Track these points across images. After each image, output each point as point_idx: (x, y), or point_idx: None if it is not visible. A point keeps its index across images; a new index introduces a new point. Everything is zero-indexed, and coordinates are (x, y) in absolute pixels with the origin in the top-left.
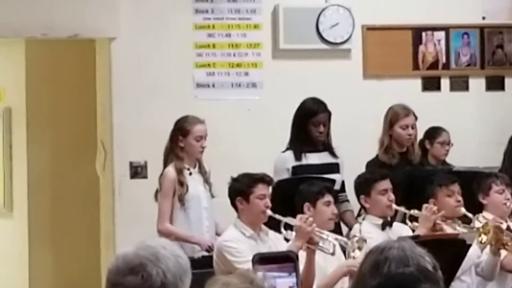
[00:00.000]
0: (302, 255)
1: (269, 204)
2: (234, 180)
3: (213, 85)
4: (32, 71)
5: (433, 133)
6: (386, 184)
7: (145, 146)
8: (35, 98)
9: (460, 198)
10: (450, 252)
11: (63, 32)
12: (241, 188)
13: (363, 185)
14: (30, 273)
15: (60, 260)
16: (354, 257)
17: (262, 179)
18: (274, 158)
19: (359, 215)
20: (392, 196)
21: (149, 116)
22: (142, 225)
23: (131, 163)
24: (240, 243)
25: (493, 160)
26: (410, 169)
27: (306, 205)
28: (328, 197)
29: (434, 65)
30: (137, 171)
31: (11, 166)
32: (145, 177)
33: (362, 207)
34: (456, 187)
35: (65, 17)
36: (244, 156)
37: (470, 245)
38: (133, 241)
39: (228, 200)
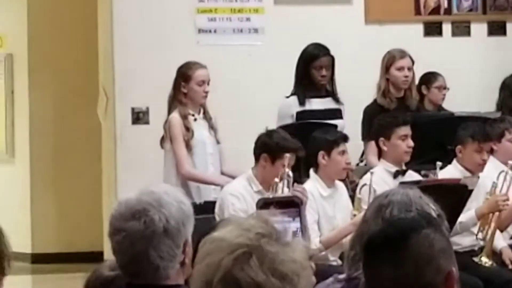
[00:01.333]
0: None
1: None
2: (268, 135)
3: (215, 31)
4: (34, 17)
5: (430, 78)
6: (406, 130)
7: (147, 92)
8: (37, 44)
9: (486, 157)
10: (452, 197)
11: None
12: (271, 148)
13: (384, 128)
14: (32, 218)
15: (62, 205)
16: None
17: (295, 149)
18: (277, 103)
19: (361, 160)
20: (411, 143)
21: (151, 62)
22: (144, 170)
23: (133, 109)
24: (241, 201)
25: (493, 104)
26: (429, 115)
27: (321, 153)
28: (343, 147)
29: (435, 10)
30: (139, 117)
31: (13, 112)
32: (147, 123)
33: (379, 149)
34: (487, 146)
35: None
36: (246, 101)
37: (472, 190)
38: (135, 187)
39: (229, 146)
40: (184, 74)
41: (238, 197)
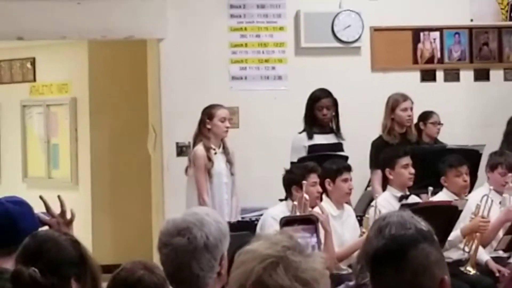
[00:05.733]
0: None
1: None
2: (289, 172)
3: (246, 78)
4: (94, 67)
5: (426, 115)
6: (407, 159)
7: (188, 129)
8: (96, 90)
9: (467, 178)
10: (444, 218)
11: (120, 34)
12: (294, 178)
13: (389, 160)
14: (93, 237)
15: (118, 226)
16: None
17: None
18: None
19: (368, 186)
20: (412, 170)
21: (192, 104)
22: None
23: (177, 143)
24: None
25: (479, 139)
26: (425, 148)
27: (327, 181)
28: (346, 175)
29: (430, 60)
30: (182, 150)
31: (77, 147)
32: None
33: (385, 178)
34: (464, 169)
35: (121, 21)
36: (271, 137)
37: (461, 211)
38: (179, 209)
39: (257, 175)
40: (208, 113)
41: (277, 219)
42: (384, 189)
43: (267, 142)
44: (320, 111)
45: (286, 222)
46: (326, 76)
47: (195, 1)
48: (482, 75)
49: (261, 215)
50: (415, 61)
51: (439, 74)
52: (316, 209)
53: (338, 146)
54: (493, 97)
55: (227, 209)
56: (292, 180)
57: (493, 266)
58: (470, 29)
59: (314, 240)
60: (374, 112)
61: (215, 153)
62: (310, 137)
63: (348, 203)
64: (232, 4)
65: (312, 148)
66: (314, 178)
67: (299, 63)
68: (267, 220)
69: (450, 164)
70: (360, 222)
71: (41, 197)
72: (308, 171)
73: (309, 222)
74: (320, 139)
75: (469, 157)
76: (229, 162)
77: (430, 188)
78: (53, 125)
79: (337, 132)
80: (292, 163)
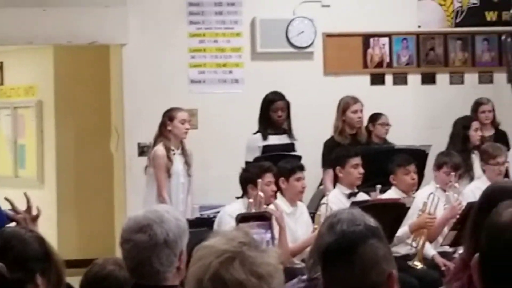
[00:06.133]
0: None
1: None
2: (246, 171)
3: (204, 81)
4: (59, 71)
5: (375, 117)
6: (357, 160)
7: (149, 130)
8: (62, 93)
9: (415, 176)
10: (392, 214)
11: (84, 40)
12: (250, 176)
13: (340, 159)
14: (58, 233)
15: (82, 223)
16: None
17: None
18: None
19: (320, 185)
20: (362, 170)
21: (152, 106)
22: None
23: (138, 144)
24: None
25: (425, 140)
26: (374, 148)
27: (281, 179)
28: (300, 174)
29: (379, 64)
30: (144, 150)
31: (43, 147)
32: None
33: (336, 177)
34: (412, 168)
35: (85, 28)
36: (229, 138)
37: (409, 208)
38: (141, 207)
39: (216, 174)
40: (169, 115)
41: (233, 216)
42: (335, 187)
43: (224, 142)
44: (275, 112)
45: (242, 218)
46: (280, 79)
47: (155, 8)
48: (428, 79)
49: (219, 212)
50: (365, 66)
51: (388, 78)
52: (271, 207)
53: (291, 146)
54: (439, 100)
55: (182, 207)
56: (249, 178)
57: (439, 260)
58: (418, 35)
59: (268, 236)
60: (326, 114)
61: (174, 154)
62: (264, 138)
63: (301, 200)
64: (191, 11)
65: (266, 148)
66: (269, 177)
67: (255, 67)
68: (224, 217)
69: (399, 164)
70: (313, 218)
71: (6, 198)
72: (263, 171)
73: (264, 218)
74: (274, 139)
75: (416, 156)
76: (187, 163)
77: (378, 186)
78: (20, 127)
79: (289, 133)
80: (247, 162)
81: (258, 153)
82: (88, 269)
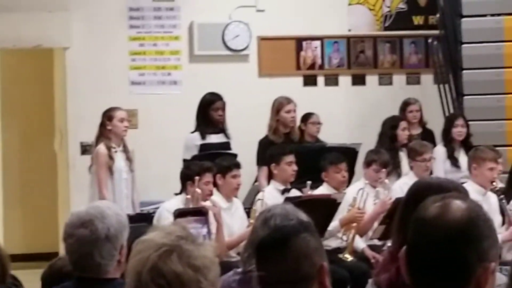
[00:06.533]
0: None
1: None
2: (186, 168)
3: (144, 83)
4: (5, 74)
5: (306, 116)
6: (291, 157)
7: (92, 130)
8: (7, 95)
9: (345, 174)
10: (324, 210)
11: (29, 43)
12: (190, 174)
13: (274, 157)
14: (4, 229)
15: (27, 219)
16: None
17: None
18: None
19: (255, 182)
20: (295, 167)
21: (95, 107)
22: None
23: (81, 143)
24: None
25: (356, 138)
26: (307, 146)
27: (218, 176)
28: (236, 172)
29: (312, 66)
30: (86, 149)
31: None
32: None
33: (270, 173)
34: (342, 165)
35: (30, 32)
36: (168, 137)
37: (340, 203)
38: (83, 203)
39: (156, 173)
40: (108, 115)
41: (171, 212)
42: (269, 184)
43: (164, 141)
44: (216, 112)
45: (179, 214)
46: (217, 81)
47: (97, 13)
48: (359, 80)
49: (158, 208)
50: (298, 67)
51: (320, 79)
52: (208, 203)
53: (227, 145)
54: (369, 100)
55: (126, 202)
56: (188, 176)
57: (369, 253)
58: (348, 38)
59: (204, 230)
60: (261, 113)
61: (116, 152)
62: (203, 137)
63: (236, 196)
64: (131, 16)
65: (203, 147)
66: (208, 177)
67: (193, 69)
68: (163, 213)
69: (330, 161)
70: (248, 214)
71: None
72: (204, 170)
73: (200, 214)
74: (212, 138)
75: (347, 154)
76: (129, 159)
77: (309, 182)
78: None
79: (225, 132)
80: (184, 160)
81: (195, 151)
82: (53, 262)
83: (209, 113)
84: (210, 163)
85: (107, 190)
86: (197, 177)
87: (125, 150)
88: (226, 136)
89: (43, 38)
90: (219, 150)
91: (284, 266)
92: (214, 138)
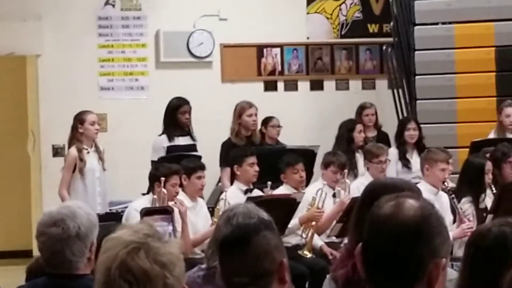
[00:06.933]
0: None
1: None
2: (155, 169)
3: (113, 88)
4: None
5: (267, 120)
6: (253, 159)
7: (63, 133)
8: None
9: (303, 174)
10: (284, 208)
11: (2, 51)
12: (159, 175)
13: (237, 158)
14: None
15: (1, 218)
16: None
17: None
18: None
19: (218, 183)
20: (257, 168)
21: (66, 111)
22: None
23: (53, 145)
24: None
25: (314, 141)
26: (267, 148)
27: (183, 177)
28: (200, 173)
29: (272, 72)
30: (58, 151)
31: None
32: (63, 156)
33: (233, 175)
34: (300, 166)
35: (3, 40)
36: (136, 140)
37: (299, 202)
38: (55, 203)
39: (125, 173)
40: (79, 119)
41: (139, 211)
42: (232, 184)
43: (132, 144)
44: (183, 115)
45: (146, 212)
46: (182, 86)
47: (68, 22)
48: (317, 86)
49: (127, 207)
50: (259, 74)
51: (280, 85)
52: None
53: (194, 147)
54: (327, 104)
55: (99, 199)
56: (156, 177)
57: (327, 250)
58: (307, 45)
59: (170, 228)
60: (224, 117)
61: (88, 152)
62: (171, 139)
63: (201, 197)
64: (100, 25)
65: (170, 149)
66: (175, 179)
67: (159, 75)
68: (131, 212)
69: (288, 163)
70: (212, 213)
71: None
72: (172, 173)
73: (166, 212)
74: (180, 140)
75: (305, 156)
76: (101, 159)
77: (269, 183)
78: None
79: (192, 134)
80: (152, 161)
81: (163, 153)
82: (39, 256)
83: (177, 117)
84: (177, 165)
85: (66, 191)
86: (163, 178)
87: (97, 150)
88: (192, 138)
89: (16, 46)
90: (186, 152)
91: (246, 262)
92: (182, 140)
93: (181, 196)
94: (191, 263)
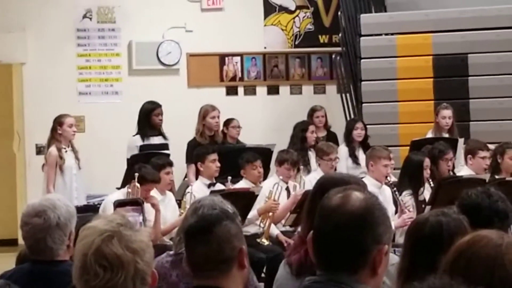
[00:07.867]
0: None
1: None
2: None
3: (90, 93)
4: None
5: (228, 121)
6: (214, 156)
7: (45, 133)
8: None
9: (261, 170)
10: (244, 201)
11: None
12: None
13: (200, 156)
14: None
15: None
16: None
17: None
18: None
19: (185, 178)
20: (218, 164)
21: (48, 114)
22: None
23: (36, 144)
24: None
25: (271, 140)
26: (229, 147)
27: None
28: (169, 169)
29: (233, 78)
30: (40, 150)
31: None
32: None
33: (197, 170)
34: (258, 163)
35: None
36: (111, 140)
37: (257, 195)
38: (38, 196)
39: (101, 170)
40: (58, 121)
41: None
42: (197, 179)
43: (107, 143)
44: (157, 116)
45: (119, 204)
46: (152, 91)
47: (50, 33)
48: (273, 90)
49: (103, 200)
50: (222, 79)
51: (240, 90)
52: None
53: (165, 146)
54: (282, 107)
55: (75, 194)
56: (131, 175)
57: (282, 238)
58: (264, 54)
59: (140, 218)
60: (190, 119)
61: (66, 152)
62: (144, 139)
63: (170, 190)
64: (79, 36)
65: (142, 147)
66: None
67: (132, 81)
68: (107, 204)
69: (247, 160)
70: (179, 205)
71: None
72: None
73: (137, 204)
74: (154, 140)
75: (263, 154)
76: (77, 158)
77: (229, 178)
78: None
79: (163, 134)
80: (127, 159)
81: (136, 151)
82: (22, 250)
83: (151, 118)
84: (155, 171)
85: (52, 187)
86: (136, 174)
87: (74, 150)
88: (164, 137)
89: (2, 55)
90: (159, 150)
91: (209, 249)
92: (155, 140)
93: (152, 190)
94: (160, 249)
